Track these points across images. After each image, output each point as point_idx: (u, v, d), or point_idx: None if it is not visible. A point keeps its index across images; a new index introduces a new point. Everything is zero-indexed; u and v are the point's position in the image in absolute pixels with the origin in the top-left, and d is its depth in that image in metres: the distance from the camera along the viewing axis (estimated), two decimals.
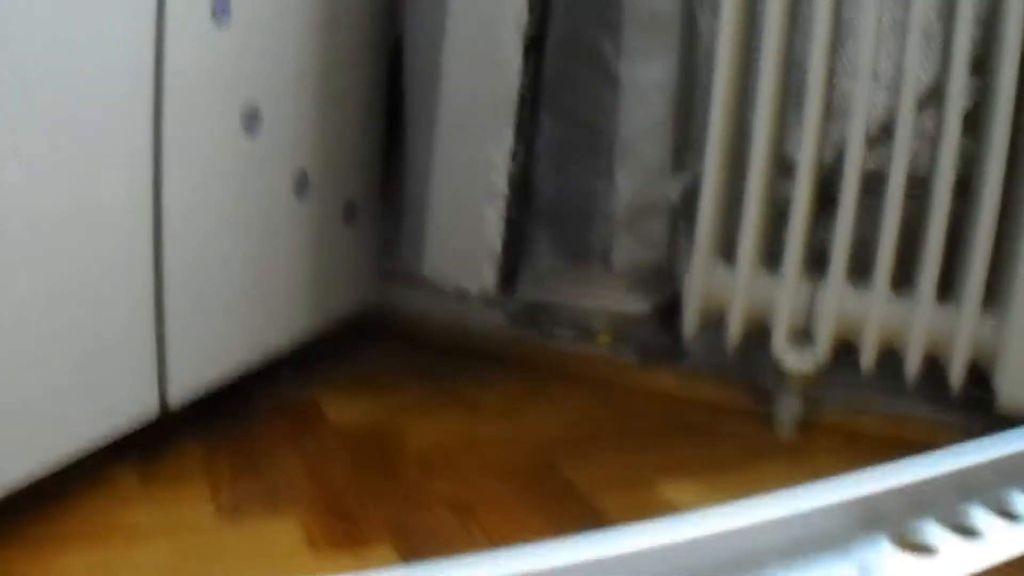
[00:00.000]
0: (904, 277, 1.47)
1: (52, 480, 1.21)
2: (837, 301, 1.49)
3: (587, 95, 1.65)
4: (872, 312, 1.48)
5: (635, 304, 1.73)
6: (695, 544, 0.22)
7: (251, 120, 1.43)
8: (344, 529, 1.30)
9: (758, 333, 1.56)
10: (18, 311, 1.13)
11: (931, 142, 1.46)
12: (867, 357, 1.50)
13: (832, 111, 1.51)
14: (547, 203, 1.72)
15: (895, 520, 0.29)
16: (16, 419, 1.15)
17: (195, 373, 1.43)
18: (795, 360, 1.54)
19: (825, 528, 0.24)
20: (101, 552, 1.19)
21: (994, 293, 1.43)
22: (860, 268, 1.49)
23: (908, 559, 0.29)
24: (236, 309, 1.49)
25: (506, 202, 1.58)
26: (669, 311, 1.69)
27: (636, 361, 1.76)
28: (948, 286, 1.45)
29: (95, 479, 1.32)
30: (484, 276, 1.63)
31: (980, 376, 1.47)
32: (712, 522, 0.22)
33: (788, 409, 1.60)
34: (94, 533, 1.22)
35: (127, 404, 1.32)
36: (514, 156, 1.56)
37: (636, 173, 1.66)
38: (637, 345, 1.76)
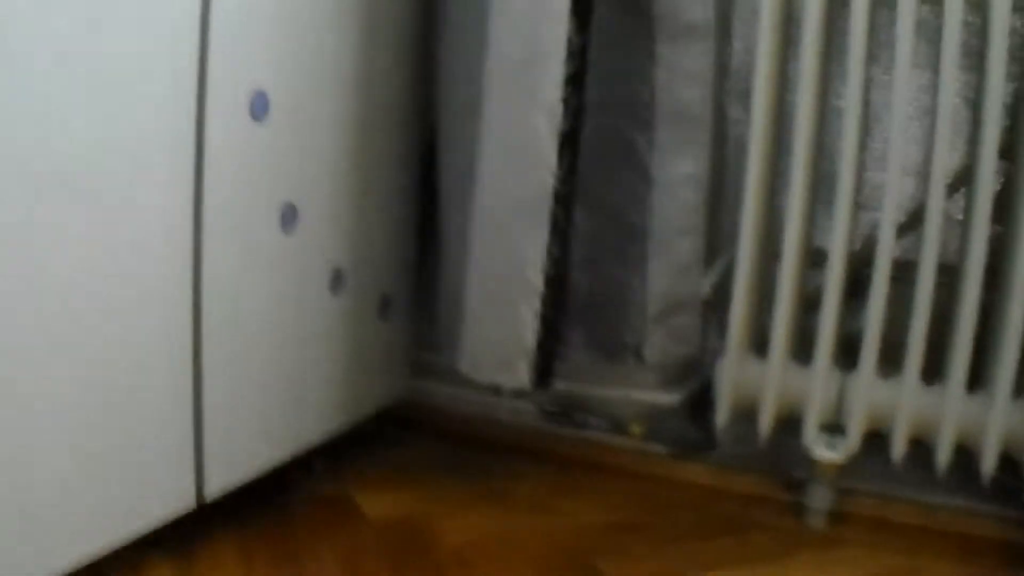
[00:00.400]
0: (935, 366, 1.47)
1: (88, 573, 1.22)
2: (868, 392, 1.50)
3: (620, 190, 1.67)
4: (903, 402, 1.48)
5: (667, 396, 1.74)
6: None
7: (288, 217, 1.45)
8: None
9: (789, 423, 1.57)
10: (55, 401, 1.14)
11: (960, 229, 1.47)
12: (898, 447, 1.50)
13: (862, 200, 1.52)
14: (580, 297, 1.73)
15: None
16: (52, 511, 1.16)
17: (231, 466, 1.44)
18: (826, 450, 1.54)
19: None
20: None
21: None
22: (891, 357, 1.49)
23: None
24: (272, 403, 1.51)
25: (541, 299, 1.60)
26: (700, 403, 1.70)
27: (668, 453, 1.76)
28: (979, 375, 1.45)
29: (131, 571, 1.32)
30: (519, 372, 1.64)
31: (1012, 465, 1.47)
32: None
33: (819, 499, 1.60)
34: None
35: (164, 496, 1.32)
36: (549, 252, 1.57)
37: (668, 268, 1.67)
38: (669, 437, 1.76)
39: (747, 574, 1.44)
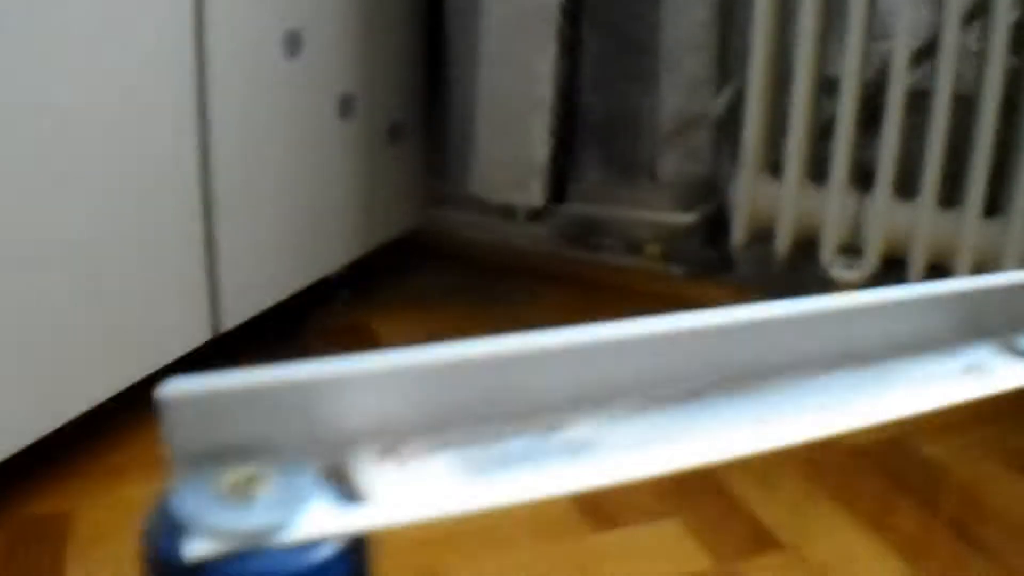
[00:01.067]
0: (952, 194, 1.46)
1: (108, 411, 1.24)
2: (885, 213, 1.49)
3: (629, 9, 1.64)
4: (919, 225, 1.47)
5: (682, 217, 1.73)
6: (798, 324, 0.23)
7: (293, 43, 1.43)
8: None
9: (805, 246, 1.56)
10: (70, 238, 1.15)
11: (976, 60, 1.44)
12: (915, 270, 1.49)
13: (875, 29, 1.49)
14: (592, 118, 1.71)
15: (1002, 328, 0.28)
16: (71, 350, 1.17)
17: (246, 297, 1.45)
18: (843, 272, 1.54)
19: (927, 327, 0.24)
20: (159, 481, 1.22)
21: None
22: (907, 184, 1.47)
23: (1019, 364, 0.28)
24: (285, 231, 1.51)
25: (552, 114, 1.58)
26: (716, 225, 1.69)
27: (684, 274, 1.76)
28: (996, 201, 1.44)
29: (150, 409, 1.34)
30: (531, 190, 1.63)
31: None
32: (808, 307, 0.22)
33: None
34: (152, 463, 1.24)
35: (180, 329, 1.34)
36: (558, 68, 1.55)
37: (679, 85, 1.65)
38: (685, 258, 1.76)
39: None
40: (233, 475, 0.21)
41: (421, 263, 1.87)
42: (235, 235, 1.38)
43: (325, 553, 0.21)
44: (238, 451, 0.21)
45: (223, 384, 0.20)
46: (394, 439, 0.22)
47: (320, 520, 0.21)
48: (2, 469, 1.10)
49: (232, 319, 1.41)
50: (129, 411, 1.28)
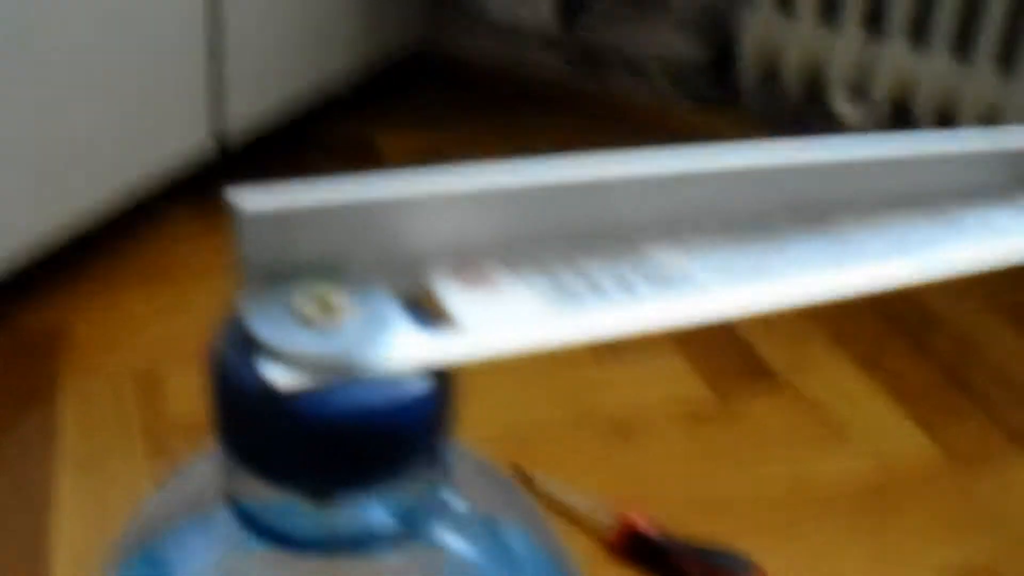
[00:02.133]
0: (964, 44, 1.43)
1: (114, 225, 1.24)
2: (895, 57, 1.46)
3: None
4: (929, 72, 1.45)
5: (693, 50, 1.70)
6: (875, 165, 0.22)
7: None
8: None
9: (814, 85, 1.54)
10: (73, 47, 1.13)
11: None
12: (922, 117, 1.47)
13: None
14: None
15: None
16: (76, 159, 1.16)
17: (252, 111, 1.43)
18: (851, 114, 1.52)
19: (992, 177, 0.24)
20: (165, 292, 1.22)
21: None
22: (919, 33, 1.45)
23: None
24: (291, 44, 1.48)
25: None
26: (725, 59, 1.66)
27: (692, 106, 1.74)
28: (1009, 57, 1.42)
29: (155, 223, 1.33)
30: (540, 9, 1.60)
31: None
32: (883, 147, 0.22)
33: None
34: (157, 273, 1.25)
35: (184, 144, 1.32)
36: None
37: None
38: (693, 91, 1.73)
39: None
40: (309, 297, 0.20)
41: (429, 84, 1.84)
42: (241, 48, 1.36)
43: (417, 384, 0.20)
44: (312, 271, 0.20)
45: (299, 198, 0.20)
46: (478, 262, 0.22)
47: (412, 348, 0.20)
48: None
49: (236, 136, 1.39)
50: (128, 227, 1.28)
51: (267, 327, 0.19)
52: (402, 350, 0.20)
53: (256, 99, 1.42)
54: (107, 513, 0.93)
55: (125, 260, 1.26)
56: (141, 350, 1.13)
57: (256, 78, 1.41)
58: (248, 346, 0.19)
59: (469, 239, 0.21)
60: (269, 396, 0.19)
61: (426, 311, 0.21)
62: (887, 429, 1.09)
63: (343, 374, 0.19)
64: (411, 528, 0.23)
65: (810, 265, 0.24)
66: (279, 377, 0.19)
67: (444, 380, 0.21)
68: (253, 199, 0.19)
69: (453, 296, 0.21)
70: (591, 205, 0.22)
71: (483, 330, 0.20)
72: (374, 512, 0.22)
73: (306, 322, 0.19)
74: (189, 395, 1.06)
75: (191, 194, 1.38)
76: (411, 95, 1.80)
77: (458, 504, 0.24)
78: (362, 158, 1.59)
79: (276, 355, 0.19)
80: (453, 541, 0.24)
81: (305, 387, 0.19)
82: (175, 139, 1.31)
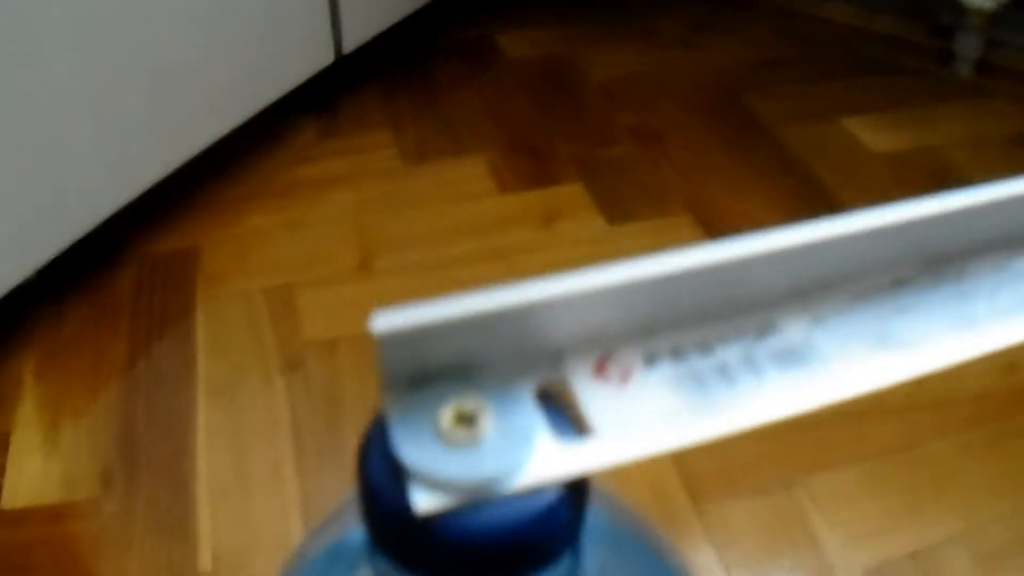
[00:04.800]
0: None
1: (236, 141, 1.25)
2: None
3: None
4: None
5: None
6: (1000, 207, 0.22)
7: None
8: (532, 166, 1.31)
9: None
10: None
11: None
12: None
13: None
14: None
15: None
16: (195, 80, 1.17)
17: (368, 13, 1.42)
18: None
19: None
20: (289, 207, 1.23)
21: None
22: None
23: None
24: None
25: None
26: None
27: None
28: None
29: (277, 138, 1.35)
30: None
31: None
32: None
33: (967, 47, 1.53)
34: (281, 190, 1.26)
35: (302, 52, 1.33)
36: None
37: None
38: None
39: (893, 118, 1.42)
40: (451, 408, 0.21)
41: None
42: None
43: (550, 496, 0.21)
44: (449, 376, 0.21)
45: (433, 313, 0.20)
46: (607, 352, 0.22)
47: (548, 461, 0.20)
48: (128, 209, 1.12)
49: (354, 39, 1.39)
50: (252, 141, 1.29)
51: (411, 448, 0.20)
52: (540, 464, 0.20)
53: (370, 3, 1.42)
54: (246, 435, 0.95)
55: (248, 178, 1.28)
56: (271, 267, 1.15)
57: None
58: (393, 460, 0.20)
59: (604, 329, 0.22)
60: (412, 518, 0.20)
61: (562, 408, 0.21)
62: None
63: (483, 495, 0.20)
64: None
65: (939, 328, 0.24)
66: (421, 501, 0.20)
67: (578, 484, 0.21)
68: (389, 318, 0.20)
69: (589, 395, 0.21)
70: (714, 283, 0.22)
71: (616, 436, 0.21)
72: None
73: (447, 441, 0.20)
74: (321, 310, 1.08)
75: (310, 107, 1.39)
76: None
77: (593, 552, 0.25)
78: (481, 55, 1.59)
79: (418, 478, 0.20)
80: None
81: (447, 508, 0.20)
82: (294, 53, 1.31)
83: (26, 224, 1.00)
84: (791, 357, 0.22)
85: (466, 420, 0.20)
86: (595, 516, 0.25)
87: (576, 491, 0.21)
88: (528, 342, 0.21)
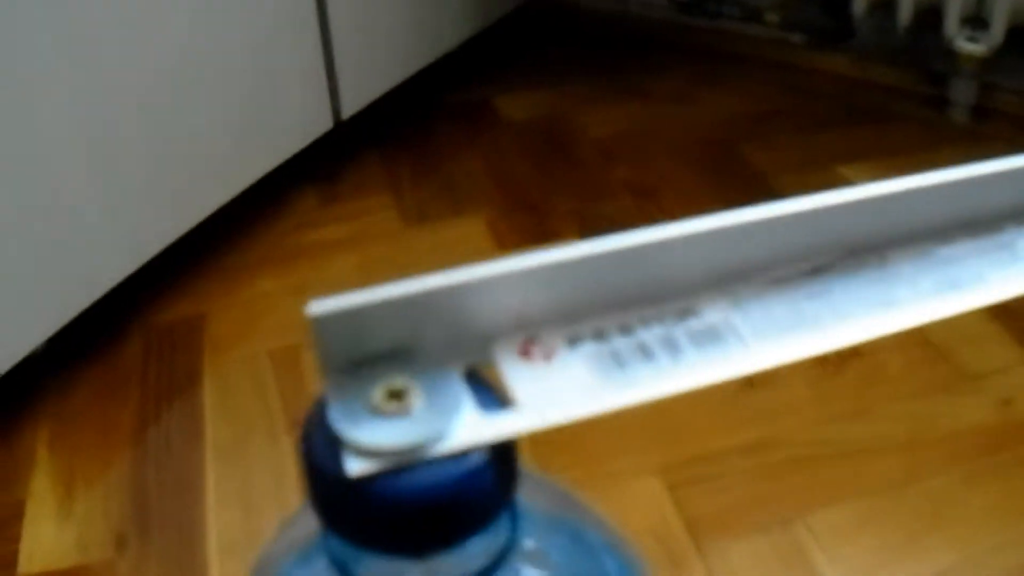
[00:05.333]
0: None
1: (239, 209, 1.27)
2: None
3: None
4: None
5: None
6: (920, 195, 0.24)
7: None
8: (530, 222, 1.33)
9: (928, 16, 1.51)
10: (185, 40, 1.15)
11: None
12: None
13: None
14: None
15: None
16: (196, 148, 1.19)
17: (365, 80, 1.45)
18: (967, 43, 1.49)
19: None
20: (293, 273, 1.25)
21: None
22: None
23: None
24: (400, 10, 1.49)
25: None
26: None
27: (805, 42, 1.72)
28: None
29: (279, 205, 1.37)
30: None
31: None
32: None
33: (962, 93, 1.55)
34: (284, 256, 1.29)
35: (301, 119, 1.35)
36: None
37: None
38: (806, 26, 1.71)
39: (889, 164, 1.43)
40: (383, 386, 0.23)
41: (538, 40, 1.85)
42: (350, 18, 1.38)
43: (476, 460, 0.23)
44: (384, 359, 0.23)
45: (366, 298, 0.22)
46: (532, 335, 0.24)
47: (472, 428, 0.22)
48: (134, 278, 1.14)
49: (352, 105, 1.41)
50: (255, 208, 1.31)
51: (345, 421, 0.22)
52: (464, 431, 0.22)
53: (367, 69, 1.44)
54: (255, 494, 0.97)
55: (252, 245, 1.30)
56: (277, 330, 1.17)
57: (366, 49, 1.42)
58: (331, 435, 0.22)
59: (523, 314, 0.24)
60: (347, 482, 0.22)
61: (489, 385, 0.23)
62: (1012, 373, 1.08)
63: (413, 458, 0.21)
64: (496, 563, 0.26)
65: (856, 308, 0.25)
66: (354, 466, 0.21)
67: (505, 448, 0.23)
68: (325, 303, 0.21)
69: (513, 373, 0.23)
70: (636, 269, 0.24)
71: (538, 404, 0.22)
72: (455, 562, 0.25)
73: (378, 412, 0.22)
74: None
75: (311, 174, 1.41)
76: (522, 52, 1.81)
77: (530, 545, 0.27)
78: (480, 117, 1.61)
79: (350, 446, 0.22)
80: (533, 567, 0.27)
81: (379, 472, 0.22)
82: (293, 121, 1.33)
83: (33, 295, 1.02)
84: (709, 337, 0.24)
85: (396, 395, 0.22)
86: (538, 500, 0.27)
87: (503, 457, 0.23)
88: (457, 326, 0.23)
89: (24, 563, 0.92)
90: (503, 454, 0.23)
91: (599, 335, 0.24)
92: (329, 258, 1.27)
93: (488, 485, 0.23)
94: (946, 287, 0.26)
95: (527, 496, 0.26)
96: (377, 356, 0.23)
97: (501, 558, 0.26)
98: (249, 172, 1.26)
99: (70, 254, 1.05)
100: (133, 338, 1.17)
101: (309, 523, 0.28)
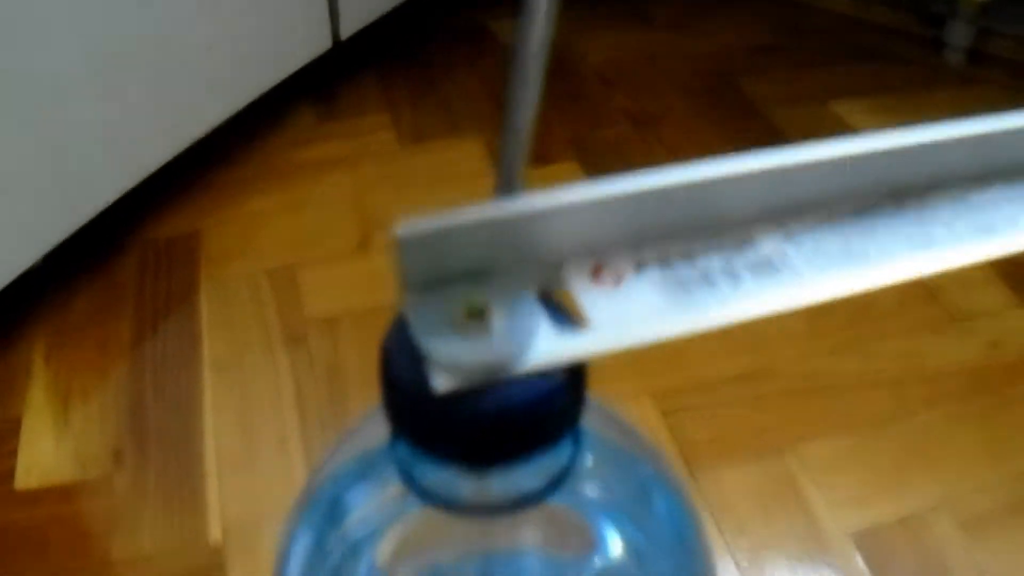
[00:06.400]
0: None
1: (236, 127, 1.27)
2: None
3: None
4: None
5: None
6: (966, 143, 0.25)
7: None
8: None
9: None
10: None
11: None
12: None
13: None
14: None
15: None
16: (196, 66, 1.19)
17: (364, 2, 1.44)
18: None
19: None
20: (290, 190, 1.26)
21: None
22: None
23: None
24: None
25: None
26: None
27: None
28: None
29: (276, 122, 1.37)
30: None
31: None
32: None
33: (959, 36, 1.56)
34: (281, 173, 1.29)
35: (300, 38, 1.35)
36: None
37: None
38: None
39: (884, 103, 1.44)
40: (464, 305, 0.23)
41: None
42: None
43: (553, 379, 0.24)
44: (462, 281, 0.24)
45: (447, 221, 0.23)
46: (601, 261, 0.24)
47: (549, 348, 0.23)
48: (131, 195, 1.14)
49: (351, 25, 1.41)
50: (251, 127, 1.31)
51: (427, 337, 0.23)
52: (541, 350, 0.23)
53: None
54: (252, 408, 0.98)
55: (249, 163, 1.30)
56: (273, 247, 1.17)
57: None
58: (413, 351, 0.23)
59: (597, 240, 0.24)
60: (430, 397, 0.23)
61: (562, 308, 0.24)
62: (1002, 317, 1.09)
63: (492, 375, 0.22)
64: (554, 488, 0.27)
65: (899, 247, 0.26)
66: (440, 382, 0.22)
67: (577, 370, 0.24)
68: (410, 224, 0.22)
69: (586, 296, 0.24)
70: (704, 202, 0.25)
71: (610, 327, 0.23)
72: (523, 477, 0.26)
73: (460, 329, 0.23)
74: (322, 287, 1.10)
75: (309, 91, 1.41)
76: None
77: (591, 464, 0.28)
78: (476, 40, 1.61)
79: (435, 362, 0.23)
80: (588, 498, 0.28)
81: (462, 387, 0.22)
82: (292, 40, 1.33)
83: (32, 212, 1.02)
84: (766, 267, 0.25)
85: (477, 314, 0.23)
86: (593, 424, 0.28)
87: (575, 378, 0.24)
88: (531, 250, 0.24)
89: (22, 478, 0.93)
90: (575, 374, 0.24)
91: (664, 262, 0.25)
92: (325, 176, 1.27)
93: (562, 404, 0.24)
94: (981, 231, 0.27)
95: (589, 421, 0.27)
96: (455, 277, 0.23)
97: (559, 480, 0.27)
98: (248, 90, 1.26)
99: (67, 171, 1.05)
100: (130, 254, 1.17)
101: (370, 434, 0.29)
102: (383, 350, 0.24)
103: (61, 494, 0.91)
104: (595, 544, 0.30)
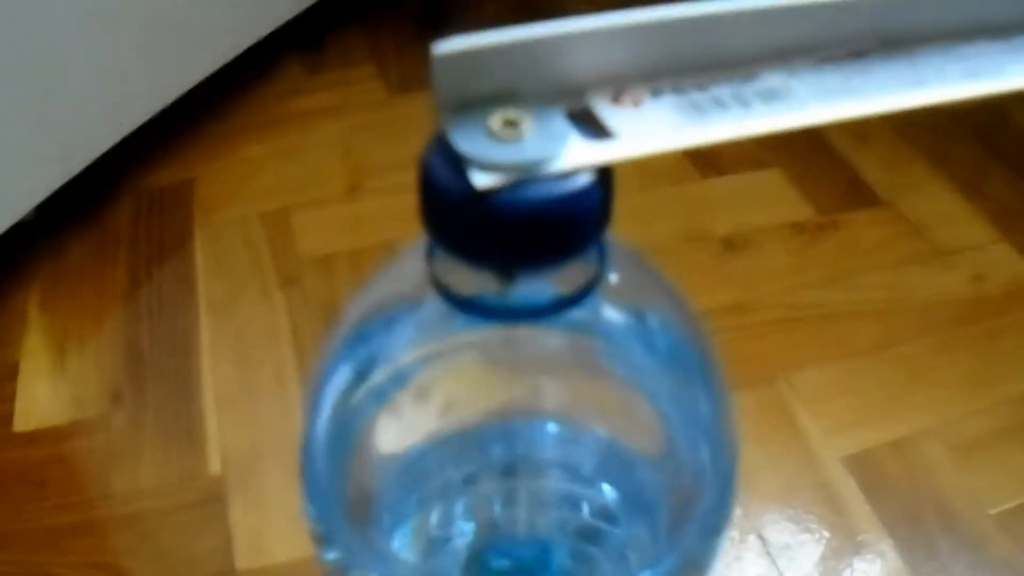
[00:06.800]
0: None
1: (227, 77, 1.27)
2: None
3: None
4: None
5: None
6: None
7: None
8: None
9: None
10: None
11: None
12: None
13: None
14: None
15: None
16: (188, 16, 1.19)
17: None
18: None
19: None
20: (281, 137, 1.26)
21: None
22: None
23: None
24: None
25: None
26: None
27: None
28: None
29: (265, 75, 1.37)
30: None
31: None
32: None
33: None
34: (270, 123, 1.29)
35: None
36: None
37: None
38: None
39: None
40: (498, 118, 0.25)
41: None
42: None
43: (584, 178, 0.25)
44: (495, 98, 0.25)
45: (480, 41, 0.24)
46: (627, 87, 0.26)
47: (580, 152, 0.25)
48: (123, 144, 1.15)
49: None
50: (241, 77, 1.31)
51: (466, 142, 0.24)
52: (572, 155, 0.24)
53: None
54: (249, 348, 0.99)
55: (240, 112, 1.30)
56: (265, 192, 1.18)
57: None
58: (451, 157, 0.24)
59: (616, 68, 0.26)
60: (471, 194, 0.24)
61: (589, 125, 0.26)
62: (985, 251, 1.10)
63: (527, 175, 0.24)
64: (577, 302, 0.28)
65: (893, 85, 0.28)
66: (479, 179, 0.24)
67: (606, 175, 0.26)
68: (446, 44, 0.24)
69: (609, 114, 0.25)
70: (715, 36, 0.27)
71: (634, 137, 0.25)
72: (550, 283, 0.28)
73: (496, 137, 0.24)
74: (315, 229, 1.12)
75: (297, 44, 1.41)
76: None
77: (614, 283, 0.29)
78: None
79: (474, 163, 0.24)
80: (608, 314, 0.30)
81: (499, 184, 0.24)
82: None
83: (24, 161, 1.03)
84: (772, 96, 0.27)
85: (511, 124, 0.25)
86: (619, 255, 0.30)
87: (603, 185, 0.26)
88: (557, 74, 0.25)
89: (20, 421, 0.94)
90: (604, 179, 0.26)
91: (678, 90, 0.26)
92: (315, 124, 1.28)
93: (594, 204, 0.26)
94: (968, 75, 0.29)
95: (616, 252, 0.29)
96: (487, 98, 0.25)
97: (584, 292, 0.28)
98: (238, 40, 1.26)
99: (60, 120, 1.06)
100: (123, 203, 1.18)
101: (404, 272, 0.31)
102: (421, 164, 0.26)
103: (59, 434, 0.92)
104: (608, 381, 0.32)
